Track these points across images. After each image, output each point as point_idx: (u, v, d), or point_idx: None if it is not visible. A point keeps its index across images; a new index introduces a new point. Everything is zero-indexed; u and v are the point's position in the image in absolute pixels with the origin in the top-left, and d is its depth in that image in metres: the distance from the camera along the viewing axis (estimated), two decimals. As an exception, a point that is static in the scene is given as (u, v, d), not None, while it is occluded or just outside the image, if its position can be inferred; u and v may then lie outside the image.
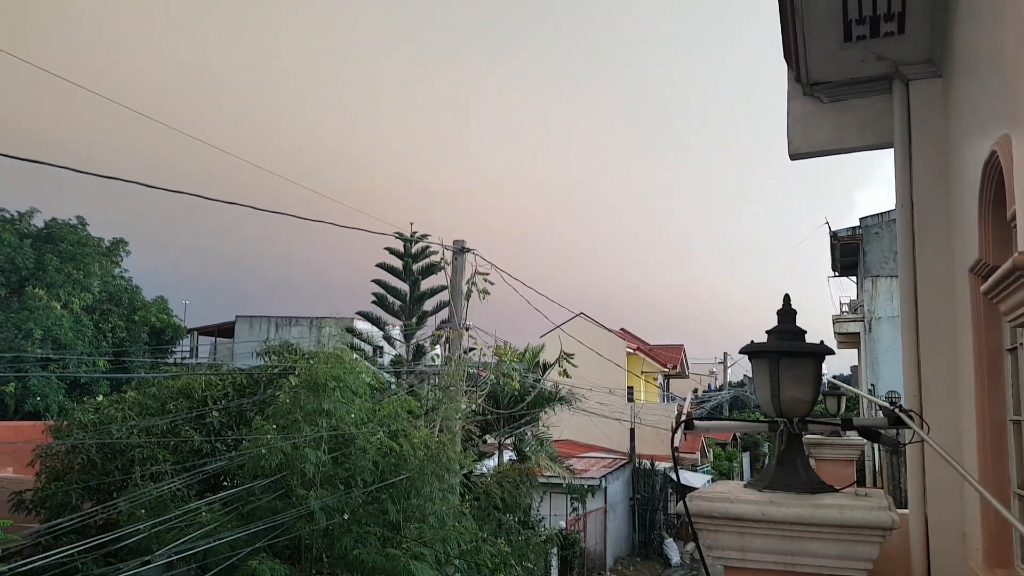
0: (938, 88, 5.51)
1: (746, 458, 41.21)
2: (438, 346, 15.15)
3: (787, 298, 2.24)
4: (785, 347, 2.13)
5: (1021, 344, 4.30)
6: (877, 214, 17.36)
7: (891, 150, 5.97)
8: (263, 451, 8.86)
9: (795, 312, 2.23)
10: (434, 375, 14.38)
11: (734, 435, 38.52)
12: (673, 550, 24.65)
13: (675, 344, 37.93)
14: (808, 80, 5.75)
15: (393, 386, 14.23)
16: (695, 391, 41.90)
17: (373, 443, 9.65)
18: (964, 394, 5.21)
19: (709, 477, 31.14)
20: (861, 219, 17.84)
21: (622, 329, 33.71)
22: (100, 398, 14.06)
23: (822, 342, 2.16)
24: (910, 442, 2.20)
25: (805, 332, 2.18)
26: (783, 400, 2.12)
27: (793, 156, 6.49)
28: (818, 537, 1.93)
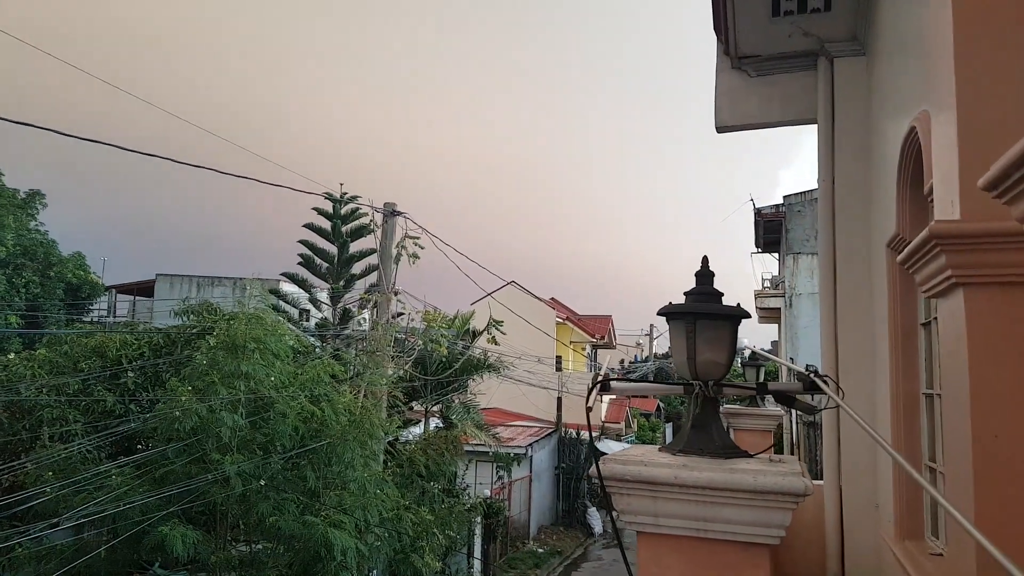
0: (861, 66, 5.59)
1: (669, 428, 42.43)
2: (366, 310, 14.85)
3: (705, 260, 2.18)
4: (702, 308, 2.07)
5: (935, 318, 4.42)
6: (800, 192, 17.83)
7: (815, 126, 6.06)
8: (177, 414, 8.49)
9: (713, 274, 2.17)
10: (360, 340, 14.12)
11: (658, 406, 39.56)
12: (596, 519, 25.22)
13: (603, 315, 38.44)
14: (736, 53, 5.75)
15: (318, 350, 13.90)
16: (621, 361, 42.74)
17: (293, 408, 9.38)
18: (879, 368, 5.36)
19: (632, 445, 31.94)
20: (784, 197, 18.32)
21: (552, 299, 33.91)
22: (11, 356, 13.27)
23: (739, 304, 2.11)
24: (825, 408, 2.18)
25: (722, 295, 2.12)
26: (699, 363, 2.06)
27: (720, 128, 6.50)
28: (731, 503, 1.89)
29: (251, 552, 10.04)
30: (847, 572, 5.80)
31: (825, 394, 2.07)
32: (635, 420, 34.39)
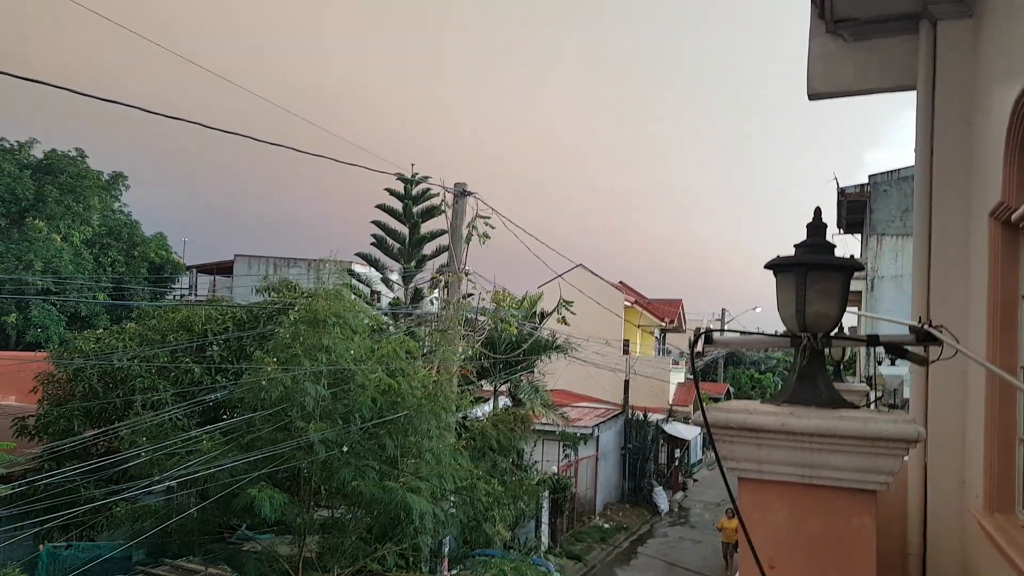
0: (967, 28, 5.35)
1: (737, 413, 41.71)
2: (436, 290, 15.13)
3: (818, 211, 2.18)
4: (814, 259, 2.08)
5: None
6: (887, 171, 17.12)
7: (913, 95, 5.85)
8: (263, 383, 8.90)
9: (825, 226, 2.17)
10: (432, 319, 14.40)
11: (727, 390, 38.92)
12: (662, 498, 25.14)
13: (673, 298, 37.95)
14: (832, 16, 5.59)
15: (391, 328, 14.26)
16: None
17: (372, 380, 9.69)
18: (974, 341, 5.20)
19: (701, 429, 31.61)
20: (870, 176, 17.60)
21: (620, 282, 33.69)
22: (101, 330, 14.08)
23: (852, 256, 2.11)
24: (938, 359, 2.16)
25: (835, 247, 2.12)
26: (808, 315, 2.08)
27: (812, 96, 6.35)
28: (839, 449, 1.91)
29: (333, 516, 10.47)
30: (929, 548, 5.68)
31: (936, 346, 2.06)
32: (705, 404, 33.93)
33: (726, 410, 2.04)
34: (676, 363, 32.44)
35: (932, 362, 2.15)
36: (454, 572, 12.14)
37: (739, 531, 2.07)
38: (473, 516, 11.16)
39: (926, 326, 2.04)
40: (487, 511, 11.11)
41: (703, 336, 2.14)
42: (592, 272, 27.19)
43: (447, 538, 11.89)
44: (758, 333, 2.14)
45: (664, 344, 37.00)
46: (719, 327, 48.98)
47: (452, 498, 10.15)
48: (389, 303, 16.70)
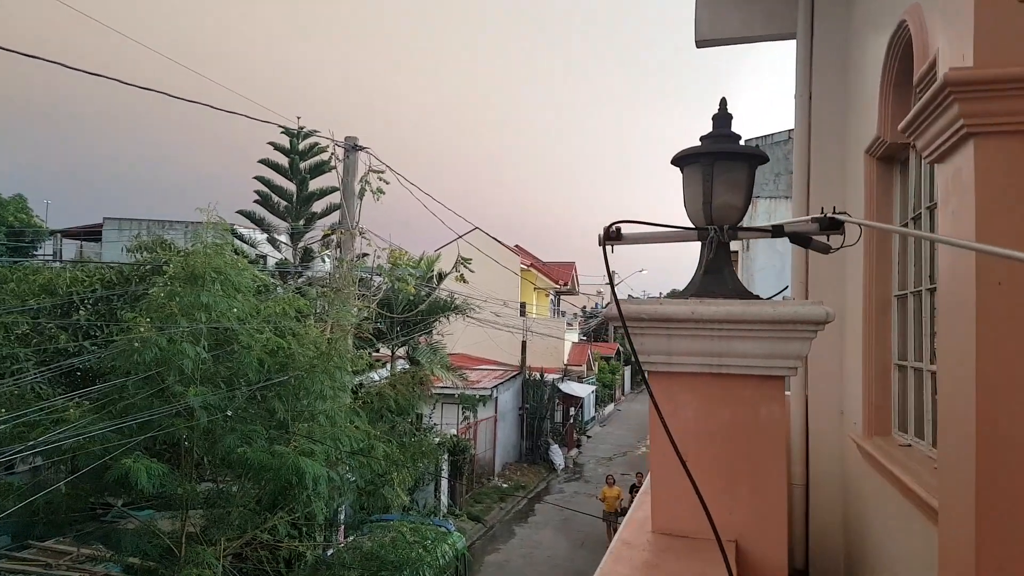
0: (843, -23, 5.54)
1: (628, 371, 43.27)
2: (328, 249, 14.55)
3: (723, 102, 2.10)
4: (720, 148, 1.99)
5: (913, 219, 4.46)
6: (760, 136, 17.83)
7: (792, 44, 6.02)
8: (136, 345, 8.22)
9: (731, 116, 2.09)
10: (324, 280, 13.87)
11: (617, 350, 40.17)
12: (558, 455, 25.73)
13: (567, 261, 38.56)
14: (718, -33, 5.65)
15: (280, 290, 13.62)
16: (583, 307, 43.20)
17: (258, 341, 9.17)
18: (851, 270, 5.43)
19: (594, 387, 32.45)
20: (744, 142, 18.25)
21: (516, 246, 33.83)
22: (-52, 301, 12.66)
23: (757, 146, 2.04)
24: (841, 247, 2.14)
25: (740, 137, 2.05)
26: (715, 207, 1.99)
27: (699, 43, 6.42)
28: (748, 335, 1.85)
29: (218, 487, 9.93)
30: (811, 478, 5.95)
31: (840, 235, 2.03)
32: (596, 363, 34.91)
33: (638, 303, 1.94)
34: (570, 324, 33.06)
35: (835, 250, 2.13)
36: (351, 538, 11.87)
37: (654, 426, 1.99)
38: (371, 480, 10.89)
39: (829, 215, 2.00)
40: (385, 474, 10.87)
41: (613, 231, 2.02)
42: (489, 235, 27.09)
43: (343, 505, 11.60)
44: (666, 226, 2.05)
45: (559, 306, 37.61)
46: (608, 291, 50.20)
47: (348, 462, 9.82)
48: (276, 264, 15.88)
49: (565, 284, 36.35)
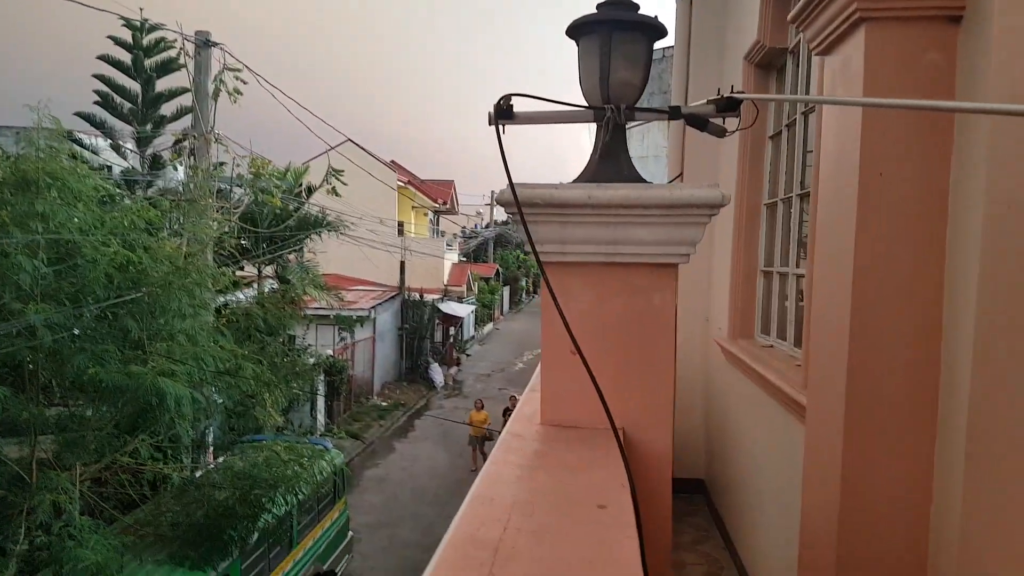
0: None
1: (506, 291, 43.97)
2: (181, 157, 13.39)
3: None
4: (619, 16, 1.85)
5: (787, 125, 4.58)
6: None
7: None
8: (-41, 258, 7.29)
9: (629, -20, 1.94)
10: (177, 190, 12.83)
11: (496, 271, 40.58)
12: (438, 374, 25.99)
13: (446, 180, 37.95)
14: None
15: (127, 201, 12.46)
16: (463, 228, 43.04)
17: (105, 255, 8.37)
18: (725, 178, 5.58)
19: (474, 307, 32.76)
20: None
21: (392, 161, 32.84)
22: None
23: (656, 16, 1.92)
24: (737, 130, 2.09)
25: (639, 6, 1.91)
26: (612, 83, 1.87)
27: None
28: (644, 221, 1.78)
29: (70, 412, 9.22)
30: (676, 379, 6.22)
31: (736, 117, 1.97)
32: (476, 284, 35.15)
33: (533, 187, 1.81)
34: (450, 245, 32.90)
35: (730, 133, 2.07)
36: (221, 459, 11.48)
37: (546, 322, 1.90)
38: (241, 401, 10.48)
39: (726, 95, 1.93)
40: (256, 395, 10.47)
41: (504, 107, 1.85)
42: (362, 148, 26.05)
43: (211, 427, 11.15)
44: (560, 103, 1.91)
45: (439, 226, 37.24)
46: (488, 211, 50.46)
47: (214, 383, 9.34)
48: (122, 172, 14.45)
49: (444, 203, 35.89)
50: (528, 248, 1.83)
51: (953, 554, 2.08)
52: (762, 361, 4.24)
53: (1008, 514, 1.79)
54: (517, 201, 1.74)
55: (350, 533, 11.76)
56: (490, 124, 1.87)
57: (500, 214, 48.35)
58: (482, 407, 17.05)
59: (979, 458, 1.83)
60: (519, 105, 1.91)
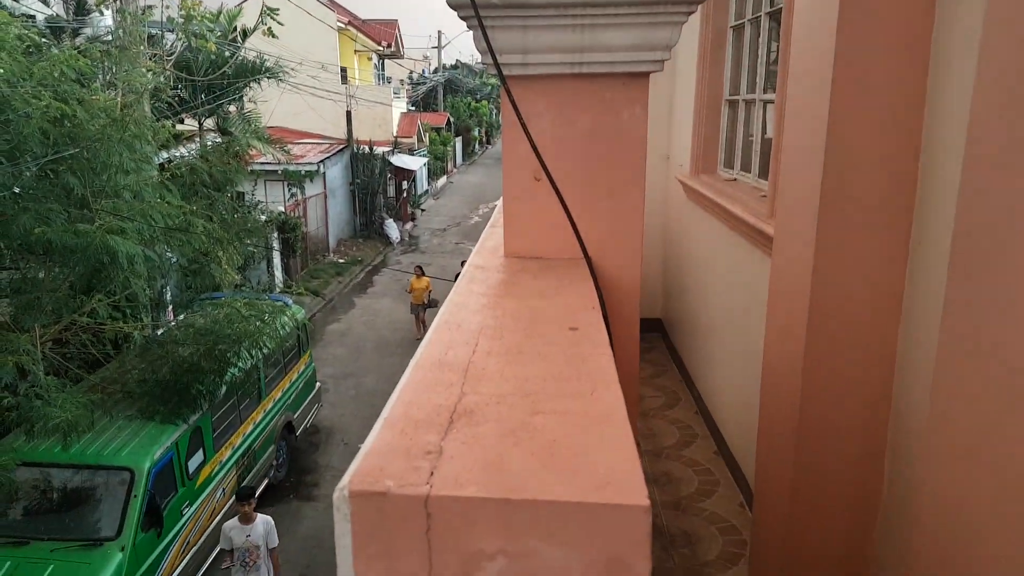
0: None
1: (459, 142, 42.95)
2: (107, 1, 12.26)
3: None
4: None
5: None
6: None
7: None
8: None
9: None
10: (106, 37, 11.83)
11: (448, 120, 39.34)
12: (393, 229, 25.78)
13: (389, 19, 35.67)
14: None
15: (54, 51, 11.46)
16: (410, 73, 41.09)
17: (38, 107, 7.77)
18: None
19: (426, 159, 32.05)
20: None
21: (331, 0, 30.60)
22: None
23: None
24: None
25: None
26: None
27: None
28: (614, 22, 1.62)
29: (23, 274, 8.94)
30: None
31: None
32: (427, 135, 34.12)
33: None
34: (397, 93, 31.52)
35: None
36: (181, 317, 11.43)
37: (508, 150, 1.78)
38: (194, 259, 10.25)
39: None
40: (209, 252, 10.24)
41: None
42: (298, -12, 24.07)
43: (168, 285, 10.97)
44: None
45: (384, 71, 35.49)
46: (436, 54, 48.03)
47: (166, 239, 9.07)
48: (46, 20, 13.24)
49: (389, 46, 33.96)
50: (487, 61, 1.67)
51: (921, 379, 2.13)
52: (726, 195, 4.21)
53: (985, 335, 1.80)
54: (473, 2, 1.56)
55: (318, 384, 12.04)
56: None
57: (447, 57, 46.18)
58: (422, 274, 16.48)
59: (959, 265, 1.82)
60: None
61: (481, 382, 1.09)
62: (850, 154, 2.01)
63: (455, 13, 1.66)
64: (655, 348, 7.74)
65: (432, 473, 0.81)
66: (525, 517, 0.76)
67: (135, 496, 7.05)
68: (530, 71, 1.69)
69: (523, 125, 1.64)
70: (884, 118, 2.01)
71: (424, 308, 15.90)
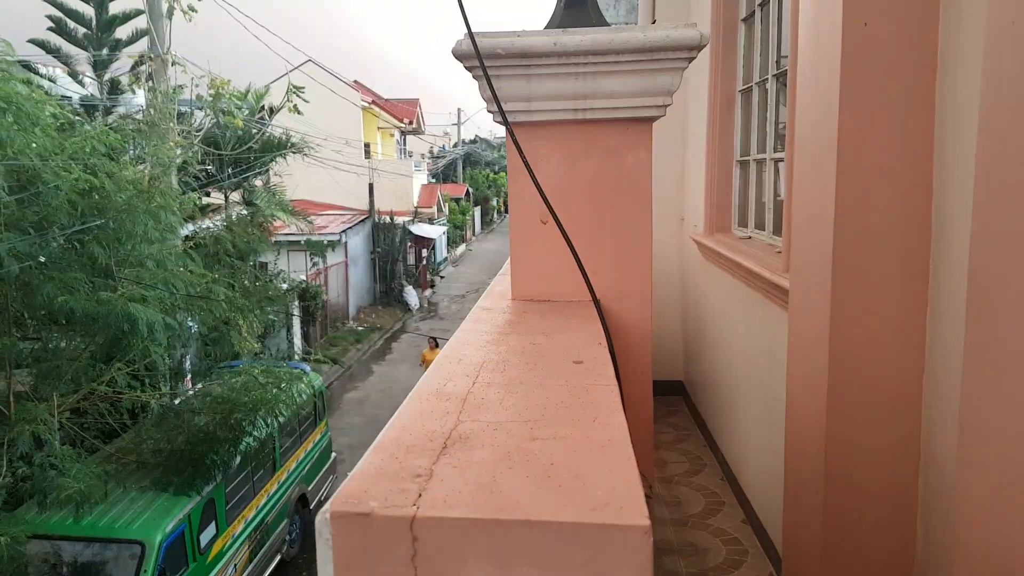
0: None
1: (477, 211, 43.67)
2: (139, 81, 12.82)
3: None
4: None
5: (760, 5, 4.39)
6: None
7: None
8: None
9: None
10: (137, 115, 12.31)
11: (467, 191, 40.12)
12: (412, 296, 25.95)
13: (411, 98, 36.89)
14: None
15: (87, 127, 11.95)
16: (431, 148, 42.17)
17: (67, 180, 8.04)
18: (697, 70, 5.41)
19: (445, 228, 32.52)
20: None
21: (355, 82, 31.75)
22: None
23: None
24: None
25: None
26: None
27: None
28: (615, 70, 1.65)
29: (45, 345, 9.05)
30: (654, 281, 6.18)
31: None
32: (446, 204, 34.74)
33: (493, 36, 1.66)
34: (418, 166, 32.27)
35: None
36: (199, 386, 11.45)
37: (514, 197, 1.79)
38: (215, 327, 10.34)
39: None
40: (230, 320, 10.33)
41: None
42: (324, 68, 25.09)
43: (188, 353, 11.05)
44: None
45: (405, 146, 36.45)
46: (456, 130, 49.38)
47: (188, 307, 9.18)
48: (81, 100, 13.87)
49: (410, 122, 35.00)
50: (491, 108, 1.70)
51: (948, 430, 2.05)
52: (741, 252, 4.19)
53: (1008, 377, 1.74)
54: (477, 51, 1.60)
55: (333, 454, 11.89)
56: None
57: (467, 132, 47.41)
58: (436, 345, 16.50)
59: (976, 309, 1.77)
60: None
61: (479, 411, 1.06)
62: (862, 203, 2.00)
63: (461, 64, 1.71)
64: (678, 411, 7.58)
65: (420, 495, 0.78)
66: (518, 539, 0.72)
67: (145, 571, 6.90)
68: (534, 117, 1.72)
69: (529, 169, 1.65)
70: (893, 164, 2.00)
71: None
